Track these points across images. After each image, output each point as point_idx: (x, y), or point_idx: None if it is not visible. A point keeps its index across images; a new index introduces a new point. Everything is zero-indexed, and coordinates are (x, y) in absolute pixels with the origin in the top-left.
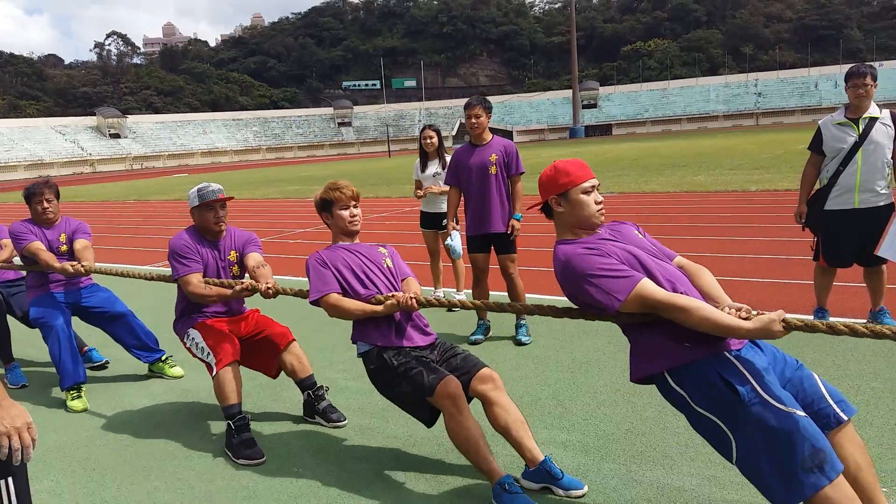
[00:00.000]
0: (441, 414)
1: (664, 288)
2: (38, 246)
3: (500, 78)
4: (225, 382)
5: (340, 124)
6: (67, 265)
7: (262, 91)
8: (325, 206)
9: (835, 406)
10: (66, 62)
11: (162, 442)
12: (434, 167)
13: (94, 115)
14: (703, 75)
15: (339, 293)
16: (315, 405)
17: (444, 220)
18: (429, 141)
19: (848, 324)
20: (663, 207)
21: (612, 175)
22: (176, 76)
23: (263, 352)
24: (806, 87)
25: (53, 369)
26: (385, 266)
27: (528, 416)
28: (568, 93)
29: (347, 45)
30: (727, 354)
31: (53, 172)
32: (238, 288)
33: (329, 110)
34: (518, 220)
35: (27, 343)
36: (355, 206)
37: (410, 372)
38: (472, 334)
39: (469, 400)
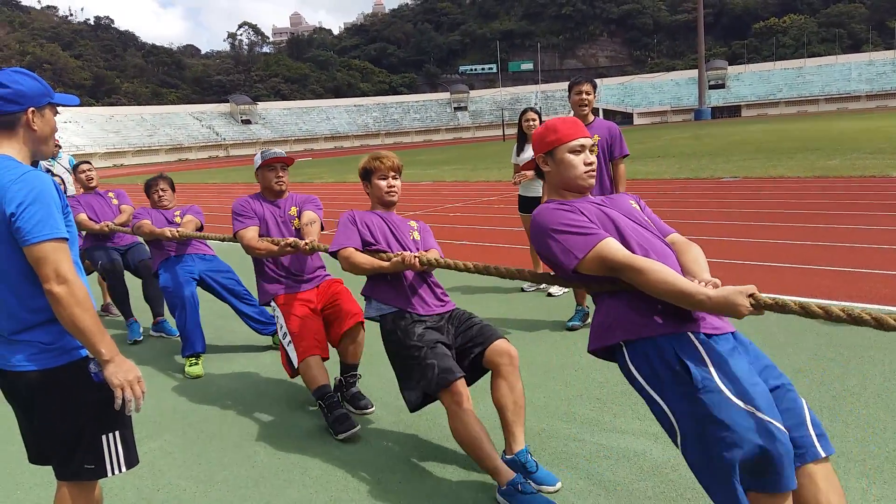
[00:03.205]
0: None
1: (634, 252)
2: (147, 222)
3: (620, 59)
4: (307, 369)
5: (456, 109)
6: (167, 230)
7: (381, 77)
8: (366, 174)
9: (815, 438)
10: (202, 52)
11: (265, 411)
12: (530, 151)
13: (227, 102)
14: (844, 52)
15: (357, 248)
16: (344, 390)
17: None
18: (530, 123)
19: (823, 305)
20: (787, 193)
21: (736, 159)
22: (302, 64)
23: (332, 323)
24: None
25: (173, 337)
26: (411, 238)
27: (618, 406)
28: (693, 73)
29: (465, 29)
30: (691, 335)
31: (191, 156)
32: (282, 243)
33: (445, 95)
34: None
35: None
36: (394, 178)
37: (423, 361)
38: (570, 320)
39: (483, 371)
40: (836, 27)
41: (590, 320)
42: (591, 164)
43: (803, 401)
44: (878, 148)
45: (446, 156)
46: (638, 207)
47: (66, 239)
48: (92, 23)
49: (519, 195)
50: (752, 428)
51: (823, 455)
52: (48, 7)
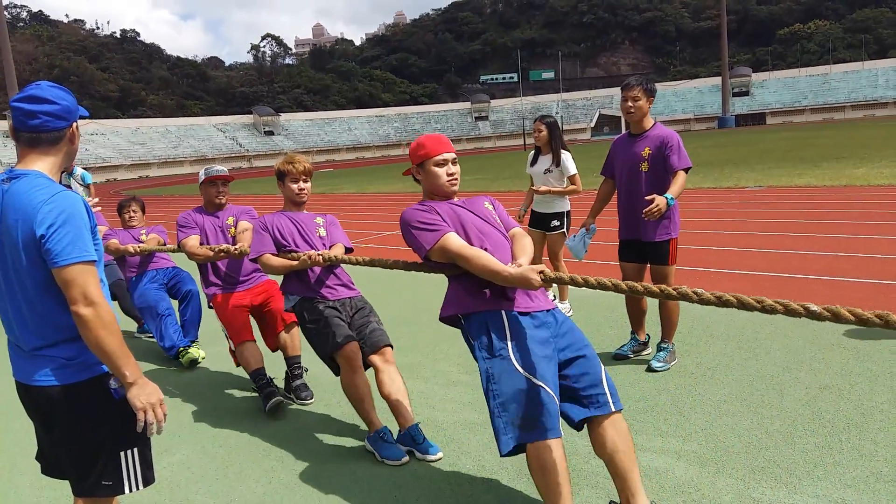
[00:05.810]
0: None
1: (472, 244)
2: (114, 241)
3: (642, 66)
4: (241, 355)
5: (477, 118)
6: (129, 246)
7: (402, 87)
8: (281, 176)
9: (609, 396)
10: (226, 64)
11: (283, 424)
12: (545, 163)
13: (250, 113)
14: (871, 58)
15: (273, 253)
16: (289, 382)
17: (553, 221)
18: (537, 134)
19: (586, 277)
20: (813, 202)
21: (761, 168)
22: (324, 75)
23: (269, 324)
24: None
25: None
26: (318, 235)
27: (639, 424)
28: (717, 80)
29: (486, 38)
30: (503, 313)
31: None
32: (217, 249)
33: (466, 105)
34: (666, 200)
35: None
36: (305, 181)
37: (323, 330)
38: (619, 348)
39: (367, 367)
40: (861, 33)
41: (648, 350)
42: (452, 174)
43: (601, 367)
44: None
45: (467, 166)
46: (491, 207)
47: (95, 261)
48: (118, 36)
49: (532, 210)
50: (526, 390)
51: (614, 409)
52: (75, 21)
